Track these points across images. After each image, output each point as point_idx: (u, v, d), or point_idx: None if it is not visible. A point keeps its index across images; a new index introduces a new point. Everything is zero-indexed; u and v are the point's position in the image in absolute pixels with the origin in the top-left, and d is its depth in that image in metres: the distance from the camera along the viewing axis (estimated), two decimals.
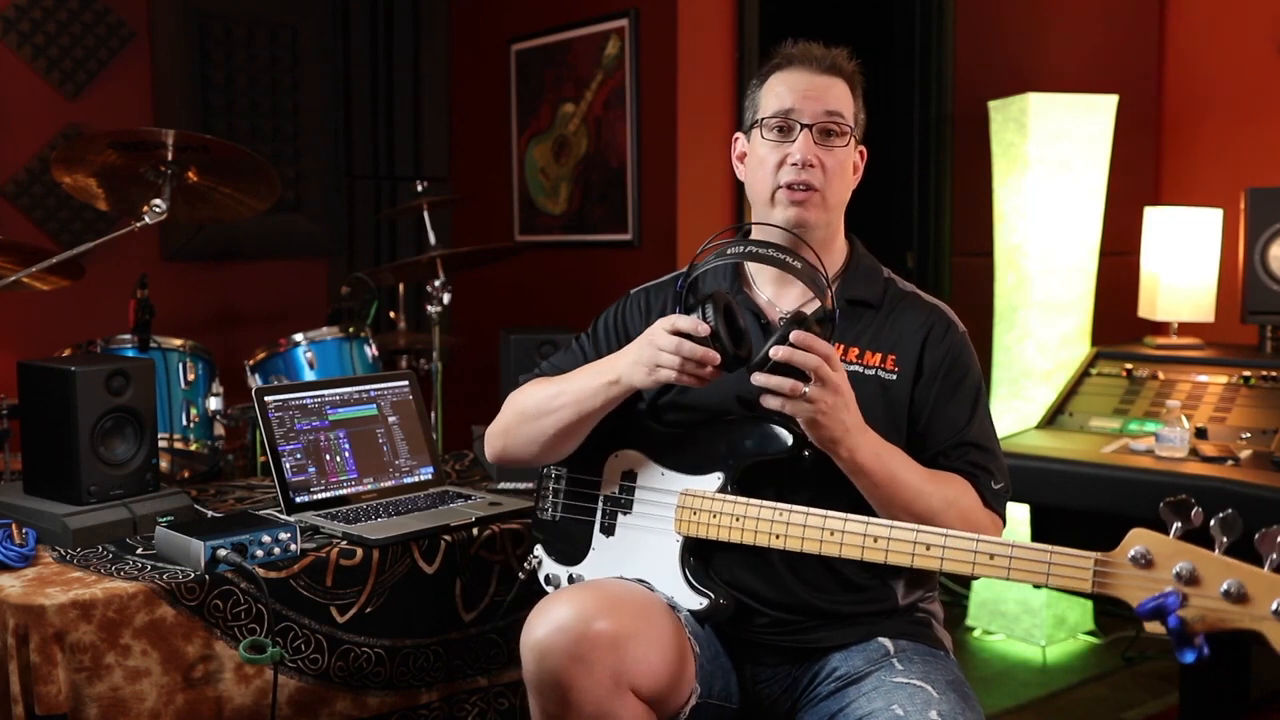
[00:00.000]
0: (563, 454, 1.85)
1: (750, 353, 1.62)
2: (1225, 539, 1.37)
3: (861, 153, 1.83)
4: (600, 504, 1.85)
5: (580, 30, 4.16)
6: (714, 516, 1.71)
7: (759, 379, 1.56)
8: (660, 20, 3.86)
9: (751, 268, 1.87)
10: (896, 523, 1.59)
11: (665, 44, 3.85)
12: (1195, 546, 1.38)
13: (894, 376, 1.74)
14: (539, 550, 1.90)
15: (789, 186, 1.73)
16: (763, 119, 1.77)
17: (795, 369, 1.54)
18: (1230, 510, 1.38)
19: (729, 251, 1.67)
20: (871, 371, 1.75)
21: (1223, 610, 1.35)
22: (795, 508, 1.65)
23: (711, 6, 3.88)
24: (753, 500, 1.69)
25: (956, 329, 1.80)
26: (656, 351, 1.64)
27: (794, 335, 1.54)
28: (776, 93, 1.76)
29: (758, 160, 1.78)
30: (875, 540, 1.59)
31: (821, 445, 1.61)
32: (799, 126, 1.73)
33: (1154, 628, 1.39)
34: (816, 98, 1.74)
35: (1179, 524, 1.40)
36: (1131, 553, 1.40)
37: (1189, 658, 1.36)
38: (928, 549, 1.56)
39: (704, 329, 1.60)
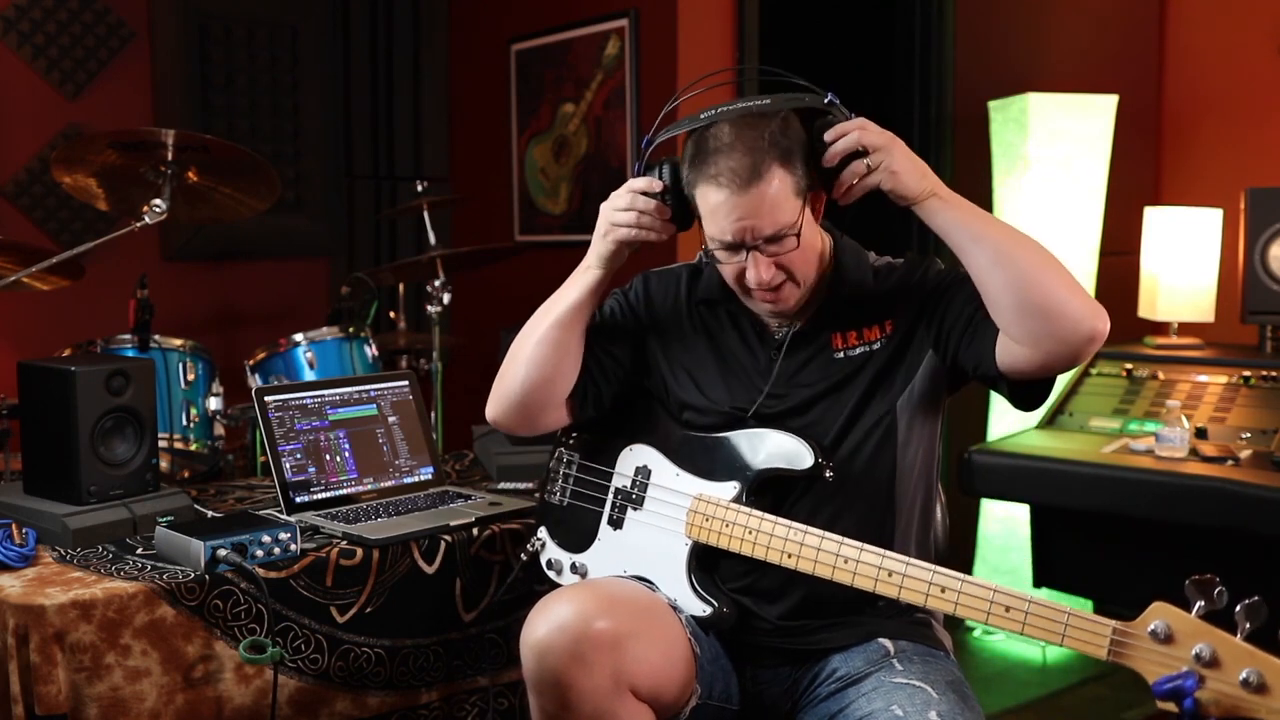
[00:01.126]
0: (560, 379, 1.80)
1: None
2: (1248, 625, 1.35)
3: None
4: (611, 495, 1.85)
5: (580, 30, 4.16)
6: (726, 526, 1.71)
7: (841, 186, 1.65)
8: (660, 20, 3.86)
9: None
10: (911, 560, 1.58)
11: (665, 44, 3.85)
12: (1217, 629, 1.36)
13: (892, 335, 1.74)
14: (543, 533, 1.91)
15: (759, 295, 1.72)
16: (706, 247, 1.72)
17: (851, 156, 1.64)
18: (1257, 598, 1.35)
19: (701, 116, 1.69)
20: (876, 345, 1.75)
21: (1239, 698, 1.33)
22: (811, 529, 1.64)
23: (711, 6, 3.87)
24: (767, 515, 1.68)
25: (934, 260, 1.80)
26: (614, 211, 1.75)
27: (826, 134, 1.63)
28: (712, 213, 1.67)
29: (720, 262, 1.73)
30: (890, 574, 1.58)
31: (913, 201, 1.66)
32: (745, 250, 1.68)
33: (1167, 706, 1.37)
34: (752, 222, 1.65)
35: (1202, 603, 1.37)
36: (1152, 626, 1.39)
37: None
38: (942, 591, 1.54)
39: (658, 185, 1.74)
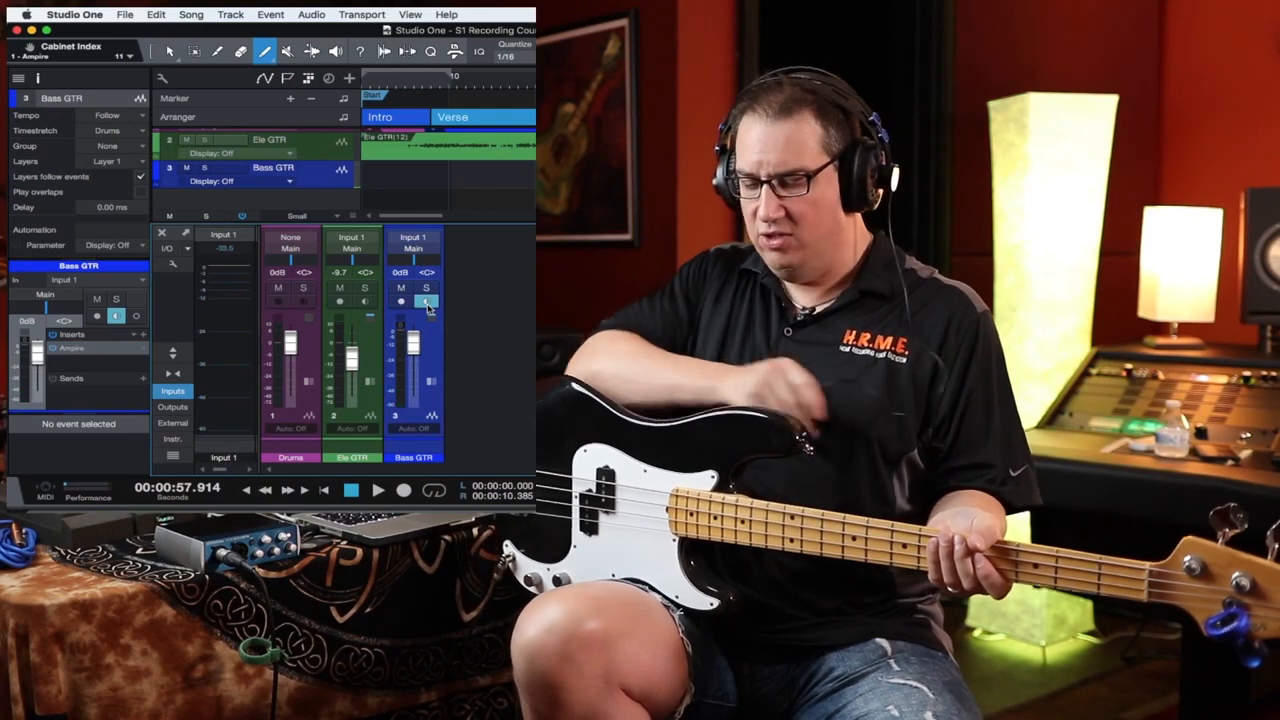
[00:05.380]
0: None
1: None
2: (1278, 546, 1.37)
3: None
4: (576, 502, 1.81)
5: (580, 30, 4.16)
6: (715, 520, 1.67)
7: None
8: (660, 20, 3.86)
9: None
10: (923, 529, 1.55)
11: (665, 44, 3.85)
12: (1249, 555, 1.37)
13: (903, 360, 1.74)
14: (509, 547, 1.88)
15: (766, 235, 1.77)
16: (733, 173, 1.80)
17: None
18: None
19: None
20: (881, 354, 1.75)
21: None
22: (807, 510, 1.61)
23: (711, 6, 3.88)
24: (756, 501, 1.65)
25: (974, 311, 1.78)
26: (784, 385, 1.67)
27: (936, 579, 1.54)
28: (743, 143, 1.77)
29: (743, 207, 1.82)
30: (904, 546, 1.55)
31: None
32: (760, 182, 1.75)
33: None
34: (772, 152, 1.73)
35: (1227, 529, 1.40)
36: (1186, 562, 1.40)
37: (1255, 664, 1.37)
38: None
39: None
